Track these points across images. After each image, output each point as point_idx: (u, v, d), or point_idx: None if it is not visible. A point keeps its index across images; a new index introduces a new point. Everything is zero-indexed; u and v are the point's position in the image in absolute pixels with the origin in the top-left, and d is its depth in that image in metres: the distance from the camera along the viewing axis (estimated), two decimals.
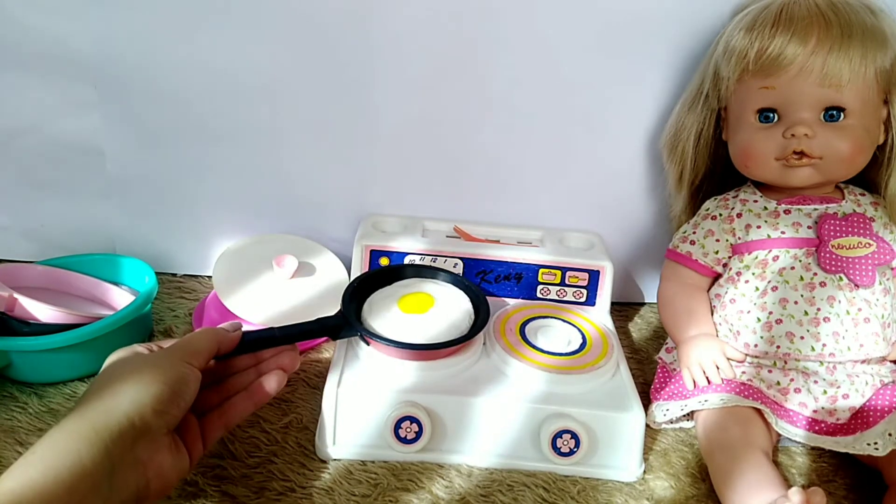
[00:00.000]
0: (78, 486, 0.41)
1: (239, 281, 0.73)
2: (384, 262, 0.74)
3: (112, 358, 0.51)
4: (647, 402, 0.65)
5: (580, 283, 0.75)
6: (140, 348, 0.52)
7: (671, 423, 0.66)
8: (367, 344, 0.61)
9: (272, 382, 0.55)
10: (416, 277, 0.69)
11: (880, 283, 0.64)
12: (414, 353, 0.60)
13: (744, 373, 0.64)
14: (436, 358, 0.61)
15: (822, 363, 0.63)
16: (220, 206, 0.82)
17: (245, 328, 0.57)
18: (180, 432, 0.49)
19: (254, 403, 0.55)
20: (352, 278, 0.75)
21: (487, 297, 0.67)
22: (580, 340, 0.66)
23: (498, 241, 0.77)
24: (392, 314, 0.62)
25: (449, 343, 0.61)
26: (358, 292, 0.65)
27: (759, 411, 0.61)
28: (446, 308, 0.64)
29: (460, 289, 0.68)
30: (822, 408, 0.62)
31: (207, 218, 0.82)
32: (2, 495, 0.39)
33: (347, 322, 0.61)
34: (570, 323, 0.69)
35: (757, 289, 0.65)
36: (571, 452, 0.58)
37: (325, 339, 0.75)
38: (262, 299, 0.72)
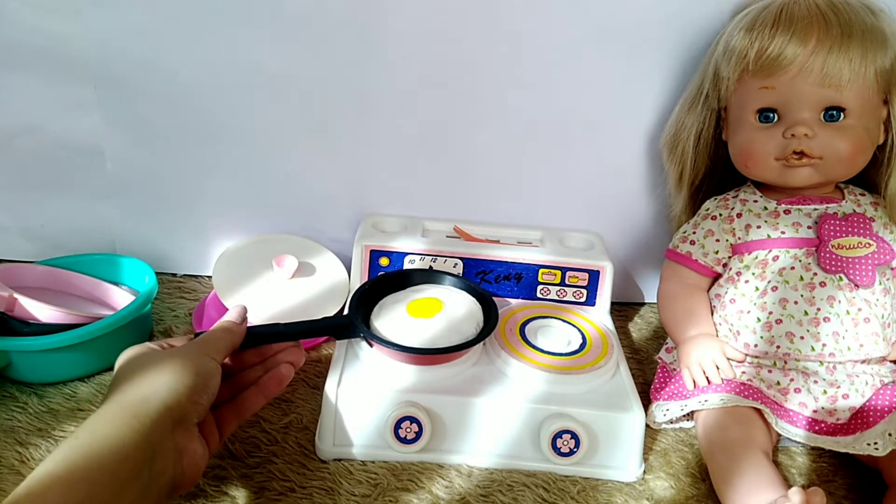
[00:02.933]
0: (119, 471, 0.41)
1: (239, 281, 0.73)
2: (384, 262, 0.74)
3: (127, 354, 0.51)
4: (647, 402, 0.65)
5: (580, 283, 0.75)
6: (153, 346, 0.53)
7: (671, 423, 0.66)
8: (371, 346, 0.61)
9: (282, 372, 0.57)
10: (431, 283, 0.68)
11: (880, 283, 0.64)
12: (413, 357, 0.60)
13: (744, 373, 0.64)
14: (436, 363, 0.61)
15: (822, 363, 0.63)
16: (220, 206, 0.82)
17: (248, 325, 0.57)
18: (199, 425, 0.50)
19: (265, 396, 0.56)
20: (352, 279, 0.75)
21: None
22: (580, 340, 0.66)
23: (498, 241, 0.77)
24: (399, 318, 0.62)
25: (447, 349, 0.60)
26: (370, 294, 0.65)
27: (759, 411, 0.61)
28: (453, 314, 0.63)
29: (473, 296, 0.66)
30: (822, 408, 0.62)
31: (207, 218, 0.82)
32: (44, 479, 0.40)
33: (352, 323, 0.60)
34: (570, 323, 0.69)
35: (757, 289, 0.65)
36: (571, 452, 0.58)
37: (326, 338, 0.75)
38: (262, 299, 0.72)
